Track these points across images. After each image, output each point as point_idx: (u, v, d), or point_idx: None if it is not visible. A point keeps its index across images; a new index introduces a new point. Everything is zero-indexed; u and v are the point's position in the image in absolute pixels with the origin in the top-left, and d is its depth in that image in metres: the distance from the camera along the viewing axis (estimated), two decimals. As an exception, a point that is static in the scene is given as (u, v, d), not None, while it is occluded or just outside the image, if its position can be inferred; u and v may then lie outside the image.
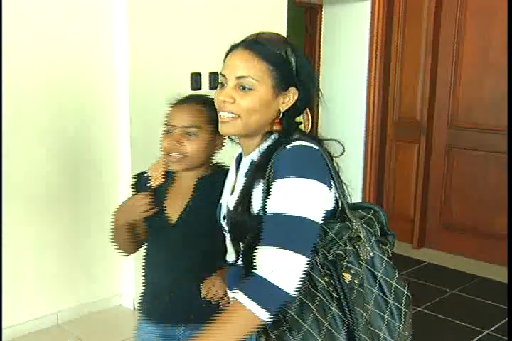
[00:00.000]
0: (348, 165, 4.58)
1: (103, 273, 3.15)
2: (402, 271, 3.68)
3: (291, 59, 1.22)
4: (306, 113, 1.31)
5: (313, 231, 1.13)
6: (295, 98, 1.24)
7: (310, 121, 1.31)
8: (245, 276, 1.13)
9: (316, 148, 1.19)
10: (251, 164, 1.27)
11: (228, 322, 1.09)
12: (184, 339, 1.54)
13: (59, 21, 2.76)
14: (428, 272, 3.76)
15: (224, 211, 1.32)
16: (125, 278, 3.18)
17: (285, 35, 3.48)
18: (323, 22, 4.43)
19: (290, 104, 1.24)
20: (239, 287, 1.10)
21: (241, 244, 1.22)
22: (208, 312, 1.31)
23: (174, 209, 1.54)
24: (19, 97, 2.68)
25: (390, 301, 1.19)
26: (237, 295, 1.09)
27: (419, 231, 4.17)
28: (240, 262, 1.24)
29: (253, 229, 1.17)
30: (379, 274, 1.20)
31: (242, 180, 1.27)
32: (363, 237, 1.19)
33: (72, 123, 2.88)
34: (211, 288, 1.43)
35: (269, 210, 1.14)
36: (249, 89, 1.20)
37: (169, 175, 1.57)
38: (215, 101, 1.26)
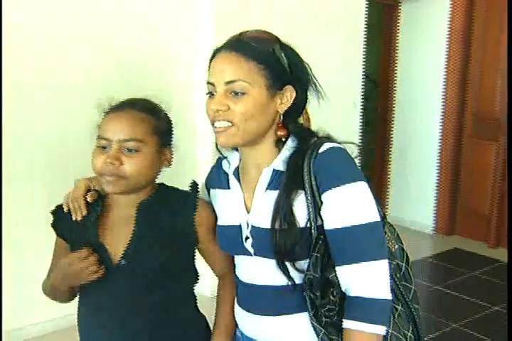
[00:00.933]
0: (423, 160, 4.56)
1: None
2: (476, 270, 3.64)
3: (281, 55, 1.13)
4: (305, 112, 1.23)
5: (382, 231, 1.13)
6: (293, 96, 1.15)
7: (310, 120, 1.23)
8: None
9: (343, 147, 1.15)
10: (274, 175, 1.16)
11: None
12: None
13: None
14: (504, 272, 3.70)
15: (246, 232, 1.18)
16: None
17: (363, 32, 3.55)
18: (400, 18, 4.42)
19: (289, 104, 1.15)
20: (347, 316, 1.08)
21: (288, 264, 1.12)
22: None
23: (114, 244, 1.22)
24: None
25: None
26: (352, 325, 1.07)
27: (495, 230, 4.09)
28: (276, 282, 1.17)
29: (303, 242, 1.11)
30: (403, 265, 1.22)
31: (264, 194, 1.17)
32: (388, 231, 1.21)
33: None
34: None
35: (337, 224, 1.09)
36: (242, 93, 1.10)
37: (98, 202, 1.26)
38: (207, 113, 1.15)
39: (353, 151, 1.16)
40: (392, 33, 4.46)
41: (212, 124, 1.14)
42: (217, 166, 1.31)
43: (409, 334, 1.17)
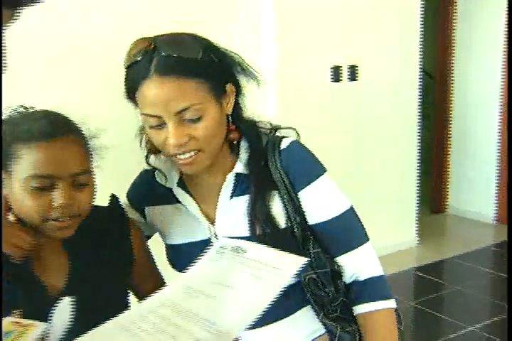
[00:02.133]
0: (482, 152, 4.54)
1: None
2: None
3: (210, 57, 1.01)
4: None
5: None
6: (234, 94, 1.06)
7: (246, 106, 1.13)
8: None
9: (287, 134, 1.12)
10: (238, 180, 1.09)
11: (394, 330, 1.10)
12: None
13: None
14: None
15: (216, 244, 1.01)
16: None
17: (419, 26, 3.62)
18: (457, 12, 4.45)
19: (233, 103, 1.07)
20: (371, 297, 1.09)
21: None
22: None
23: (51, 276, 1.03)
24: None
25: None
26: (374, 306, 1.09)
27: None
28: None
29: (287, 244, 1.04)
30: None
31: (229, 202, 1.09)
32: None
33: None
34: None
35: (325, 217, 1.09)
36: (198, 118, 0.99)
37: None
38: (161, 147, 1.02)
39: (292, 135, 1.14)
40: (448, 28, 4.51)
41: (171, 156, 1.03)
42: (145, 180, 1.18)
43: None
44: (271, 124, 1.14)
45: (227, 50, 1.07)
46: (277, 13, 3.14)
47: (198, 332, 0.78)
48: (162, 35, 1.02)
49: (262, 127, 1.13)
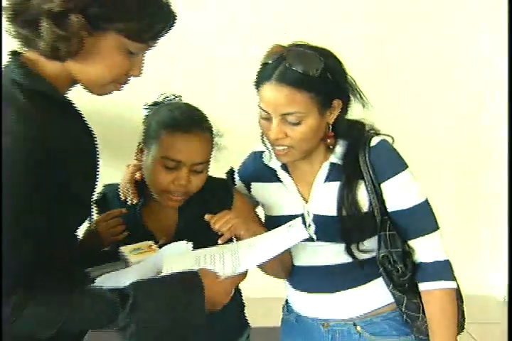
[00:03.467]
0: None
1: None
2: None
3: (326, 75, 1.18)
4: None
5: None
6: (340, 107, 1.24)
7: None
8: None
9: (385, 138, 1.29)
10: (332, 168, 1.28)
11: (452, 307, 1.25)
12: None
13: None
14: None
15: (308, 220, 1.29)
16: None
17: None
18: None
19: (337, 114, 1.24)
20: (432, 277, 1.25)
21: (353, 245, 1.26)
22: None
23: (159, 228, 1.31)
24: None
25: None
26: (439, 285, 1.24)
27: None
28: (336, 262, 1.30)
29: (367, 225, 1.26)
30: None
31: (324, 186, 1.28)
32: None
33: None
34: (229, 219, 1.22)
35: (402, 205, 1.25)
36: (297, 122, 1.18)
37: (141, 192, 1.31)
38: (265, 135, 1.24)
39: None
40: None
41: (271, 145, 1.25)
42: (253, 160, 1.41)
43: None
44: (372, 127, 1.31)
45: (344, 69, 1.23)
46: None
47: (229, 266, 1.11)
48: (296, 46, 1.21)
49: (361, 129, 1.30)
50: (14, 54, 0.98)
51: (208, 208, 1.25)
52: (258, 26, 2.94)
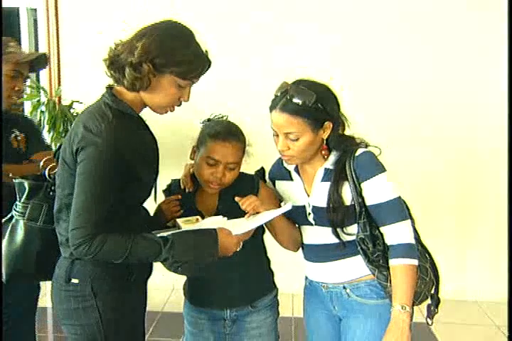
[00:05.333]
0: None
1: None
2: None
3: (317, 105, 1.59)
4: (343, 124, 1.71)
5: (402, 201, 1.68)
6: (330, 127, 1.64)
7: (345, 128, 1.73)
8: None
9: (371, 149, 1.67)
10: (326, 172, 1.68)
11: (409, 278, 1.59)
12: (230, 320, 1.86)
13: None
14: None
15: (309, 209, 1.71)
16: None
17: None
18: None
19: (328, 132, 1.65)
20: (397, 255, 1.60)
21: (339, 229, 1.66)
22: (249, 295, 1.80)
23: (205, 209, 1.78)
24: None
25: None
26: (401, 262, 1.59)
27: None
28: (330, 241, 1.70)
29: (348, 215, 1.64)
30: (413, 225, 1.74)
31: (320, 184, 1.69)
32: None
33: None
34: (252, 202, 1.65)
35: (377, 200, 1.62)
36: (296, 139, 1.61)
37: (195, 183, 1.81)
38: (276, 146, 1.66)
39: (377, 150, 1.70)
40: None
41: (280, 153, 1.69)
42: (278, 164, 1.84)
43: (427, 265, 1.70)
44: (362, 141, 1.71)
45: (336, 99, 1.66)
46: None
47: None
48: (298, 81, 1.64)
49: (352, 143, 1.69)
50: (108, 87, 1.54)
51: (241, 193, 1.70)
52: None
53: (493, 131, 3.58)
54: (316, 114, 1.61)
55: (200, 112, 1.89)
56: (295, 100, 1.59)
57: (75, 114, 3.11)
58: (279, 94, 1.64)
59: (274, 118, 1.64)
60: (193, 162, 1.83)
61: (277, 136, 1.66)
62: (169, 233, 1.51)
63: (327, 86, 1.67)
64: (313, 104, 1.59)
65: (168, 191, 1.87)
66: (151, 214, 1.78)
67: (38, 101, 3.08)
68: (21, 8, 3.84)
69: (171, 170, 1.93)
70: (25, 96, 2.80)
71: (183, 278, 1.91)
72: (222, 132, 1.72)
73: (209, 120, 1.84)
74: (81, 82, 3.59)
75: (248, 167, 1.83)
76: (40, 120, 3.03)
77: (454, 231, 3.72)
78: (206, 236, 1.52)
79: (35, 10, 3.82)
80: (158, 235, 1.50)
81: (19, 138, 2.11)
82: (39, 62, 2.16)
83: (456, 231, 3.71)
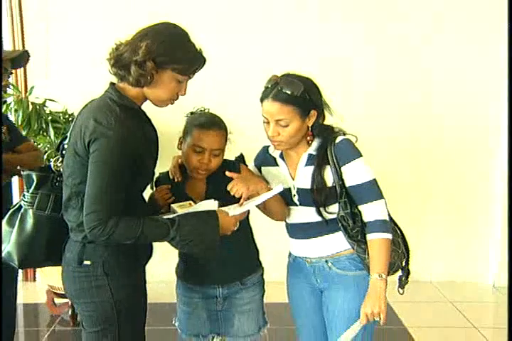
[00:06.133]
0: None
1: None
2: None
3: (305, 95, 1.77)
4: (323, 115, 1.88)
5: (377, 182, 1.86)
6: (315, 116, 1.83)
7: (325, 119, 1.89)
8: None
9: (349, 137, 1.86)
10: (309, 157, 1.85)
11: (385, 250, 1.78)
12: (221, 298, 2.02)
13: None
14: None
15: (294, 191, 1.89)
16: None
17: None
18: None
19: (313, 120, 1.83)
20: (373, 230, 1.79)
21: (322, 209, 1.84)
22: (239, 272, 1.96)
23: (195, 195, 1.93)
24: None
25: None
26: (376, 236, 1.78)
27: None
28: (313, 220, 1.88)
29: (330, 195, 1.82)
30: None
31: (304, 169, 1.86)
32: None
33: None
34: (236, 185, 1.79)
35: (355, 182, 1.80)
36: (286, 125, 1.78)
37: (184, 171, 1.97)
38: (266, 133, 1.82)
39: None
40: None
41: (270, 140, 1.85)
42: (264, 152, 2.01)
43: (399, 239, 1.93)
44: (340, 130, 1.89)
45: (319, 91, 1.84)
46: None
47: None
48: (286, 75, 1.81)
49: (332, 131, 1.88)
50: (111, 83, 1.68)
51: (224, 179, 1.85)
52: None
53: (493, 131, 3.86)
54: (303, 103, 1.78)
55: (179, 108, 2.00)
56: (285, 90, 1.76)
57: (48, 112, 3.18)
58: (269, 86, 1.80)
59: (266, 106, 1.79)
60: (180, 153, 1.98)
61: (268, 123, 1.82)
62: (174, 215, 1.67)
63: (311, 79, 1.85)
64: (302, 94, 1.77)
65: (157, 182, 2.01)
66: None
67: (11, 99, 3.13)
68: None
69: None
70: (9, 91, 2.87)
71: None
72: (207, 122, 1.89)
73: (192, 113, 1.99)
74: (49, 80, 3.66)
75: (229, 154, 1.99)
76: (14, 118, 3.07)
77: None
78: (208, 217, 1.69)
79: (-1, 9, 3.85)
80: (165, 217, 1.64)
81: (4, 130, 2.21)
82: (21, 58, 2.26)
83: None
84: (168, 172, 2.02)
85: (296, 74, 1.83)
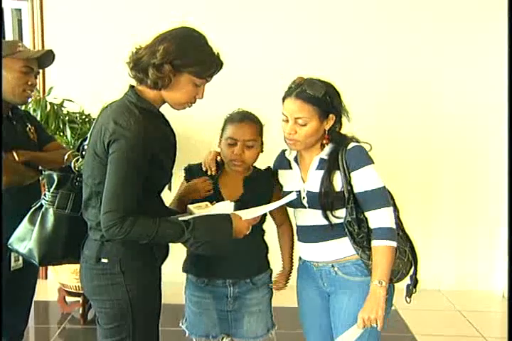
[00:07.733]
0: None
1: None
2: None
3: (326, 97, 1.82)
4: (340, 122, 1.93)
5: (386, 191, 1.89)
6: (333, 120, 1.87)
7: (341, 126, 1.94)
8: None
9: (361, 144, 1.89)
10: (321, 161, 1.88)
11: (388, 258, 1.79)
12: (232, 298, 2.06)
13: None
14: None
15: (303, 194, 1.91)
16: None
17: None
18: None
19: (331, 124, 1.88)
20: (378, 237, 1.80)
21: (329, 212, 1.86)
22: (248, 268, 2.01)
23: (228, 193, 1.98)
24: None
25: None
26: (381, 243, 1.80)
27: None
28: (320, 223, 1.90)
29: (338, 200, 1.84)
30: (396, 213, 1.96)
31: (315, 172, 1.89)
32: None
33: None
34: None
35: (364, 188, 1.82)
36: (304, 124, 1.82)
37: (220, 167, 2.03)
38: (283, 131, 1.87)
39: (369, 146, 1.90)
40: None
41: (286, 138, 1.88)
42: (281, 155, 2.07)
43: (406, 248, 1.93)
44: (354, 138, 1.92)
45: (340, 97, 1.89)
46: None
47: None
48: (311, 78, 1.86)
49: (345, 138, 1.91)
50: (131, 86, 1.71)
51: (261, 185, 2.00)
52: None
53: (493, 131, 3.88)
54: (324, 105, 1.83)
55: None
56: (308, 90, 1.82)
57: (65, 112, 3.23)
58: (293, 86, 1.87)
59: (287, 104, 1.85)
60: (217, 150, 2.07)
61: (287, 121, 1.86)
62: (189, 217, 1.70)
63: (333, 85, 1.91)
64: (323, 96, 1.82)
65: (189, 172, 2.06)
66: (174, 198, 2.00)
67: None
68: (6, 9, 3.92)
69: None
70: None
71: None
72: (238, 116, 2.00)
73: (230, 113, 2.07)
74: (67, 80, 3.71)
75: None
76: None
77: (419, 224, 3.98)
78: (222, 220, 1.72)
79: (20, 10, 3.91)
80: (180, 219, 1.67)
81: (32, 130, 2.26)
82: (47, 58, 2.30)
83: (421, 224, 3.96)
84: (198, 164, 2.07)
85: (320, 79, 1.89)
